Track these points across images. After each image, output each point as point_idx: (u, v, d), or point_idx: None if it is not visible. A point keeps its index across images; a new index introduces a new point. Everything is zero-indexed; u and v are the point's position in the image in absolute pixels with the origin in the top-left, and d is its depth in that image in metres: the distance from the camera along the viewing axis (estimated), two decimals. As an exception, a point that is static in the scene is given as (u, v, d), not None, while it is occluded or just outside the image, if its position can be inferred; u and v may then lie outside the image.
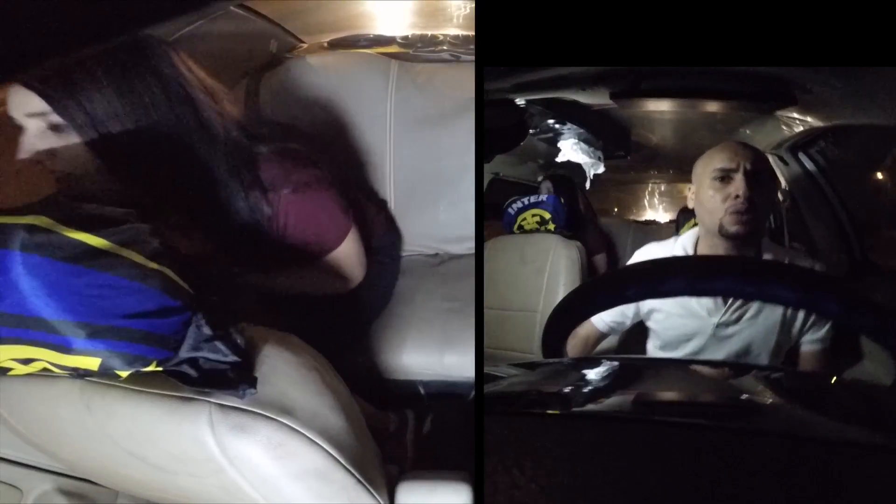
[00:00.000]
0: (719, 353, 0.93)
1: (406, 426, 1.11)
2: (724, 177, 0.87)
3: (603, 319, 1.03)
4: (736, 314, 0.91)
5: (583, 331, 1.06)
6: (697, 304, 0.93)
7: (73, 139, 0.69)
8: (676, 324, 0.95)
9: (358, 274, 1.00)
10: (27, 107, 0.67)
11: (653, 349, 1.03)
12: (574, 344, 1.07)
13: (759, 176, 0.87)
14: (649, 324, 1.01)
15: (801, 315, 0.92)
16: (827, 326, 0.93)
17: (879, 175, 1.19)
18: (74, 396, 0.52)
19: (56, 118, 0.68)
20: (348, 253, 0.96)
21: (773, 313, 0.90)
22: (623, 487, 0.30)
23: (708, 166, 0.90)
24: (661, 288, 0.53)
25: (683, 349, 0.96)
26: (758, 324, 0.91)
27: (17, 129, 0.69)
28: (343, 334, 1.08)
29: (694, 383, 0.56)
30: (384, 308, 1.20)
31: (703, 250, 0.94)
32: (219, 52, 1.17)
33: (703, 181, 0.91)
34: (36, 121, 0.68)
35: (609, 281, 0.58)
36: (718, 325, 0.92)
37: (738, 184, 0.86)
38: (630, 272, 0.56)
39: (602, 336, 1.06)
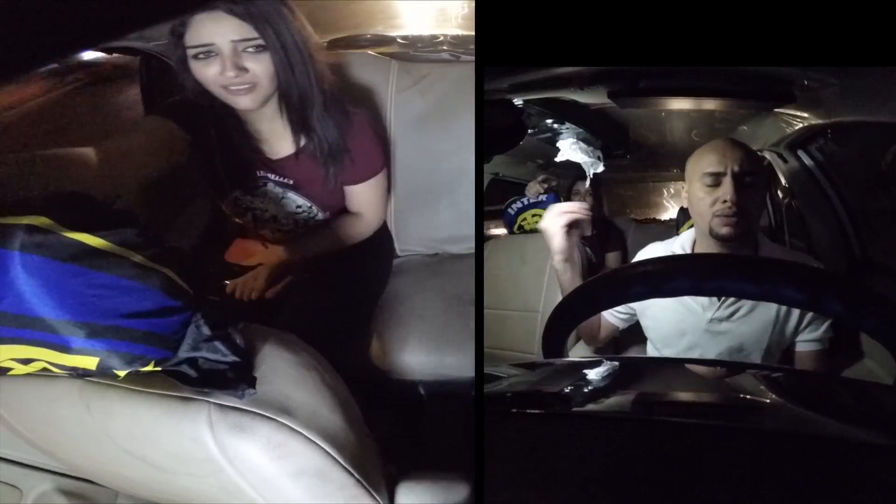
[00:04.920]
0: (712, 350, 0.93)
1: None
2: (713, 181, 0.87)
3: (616, 315, 1.04)
4: (729, 310, 0.91)
5: (603, 333, 1.07)
6: (692, 300, 0.93)
7: (267, 59, 0.88)
8: (671, 319, 0.95)
9: (381, 212, 1.18)
10: (234, 34, 0.85)
11: (648, 347, 1.03)
12: (595, 344, 1.11)
13: (748, 178, 0.86)
14: (643, 321, 1.01)
15: (795, 315, 0.90)
16: (824, 326, 0.92)
17: (879, 172, 1.19)
18: (74, 396, 0.52)
19: (259, 41, 0.86)
20: (379, 187, 1.13)
21: (767, 312, 0.89)
22: (623, 487, 0.30)
23: (697, 167, 0.89)
24: (666, 287, 0.53)
25: (677, 345, 0.96)
26: (751, 321, 0.90)
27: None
28: (341, 327, 1.08)
29: (694, 383, 0.56)
30: (381, 292, 1.23)
31: (700, 250, 0.94)
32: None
33: (693, 182, 0.90)
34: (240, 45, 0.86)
35: (614, 280, 0.57)
36: (711, 321, 0.91)
37: (726, 188, 0.85)
38: (635, 271, 0.55)
39: (618, 330, 1.08)
